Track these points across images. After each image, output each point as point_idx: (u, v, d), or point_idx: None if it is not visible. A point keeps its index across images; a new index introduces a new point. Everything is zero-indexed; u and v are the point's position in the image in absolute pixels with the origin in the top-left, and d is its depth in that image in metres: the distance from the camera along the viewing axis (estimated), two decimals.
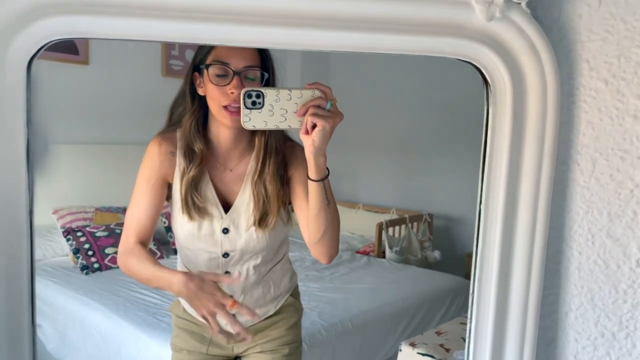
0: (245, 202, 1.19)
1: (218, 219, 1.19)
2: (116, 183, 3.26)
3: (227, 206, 1.20)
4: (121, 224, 3.09)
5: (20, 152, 0.72)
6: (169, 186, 1.21)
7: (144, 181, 1.18)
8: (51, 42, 0.71)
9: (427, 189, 3.89)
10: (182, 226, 1.20)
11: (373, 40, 0.77)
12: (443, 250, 3.53)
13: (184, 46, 3.44)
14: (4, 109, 0.70)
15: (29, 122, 0.71)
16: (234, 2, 0.72)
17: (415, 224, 3.67)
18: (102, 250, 2.90)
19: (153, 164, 1.18)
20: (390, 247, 3.48)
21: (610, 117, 0.78)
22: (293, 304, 1.35)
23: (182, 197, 1.16)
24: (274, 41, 0.77)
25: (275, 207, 1.17)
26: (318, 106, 0.88)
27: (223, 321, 1.06)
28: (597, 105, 0.79)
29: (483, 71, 0.79)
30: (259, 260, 1.24)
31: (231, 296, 1.04)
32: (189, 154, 1.15)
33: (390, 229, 3.57)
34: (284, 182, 1.20)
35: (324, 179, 1.03)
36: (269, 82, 1.11)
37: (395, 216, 3.80)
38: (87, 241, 2.88)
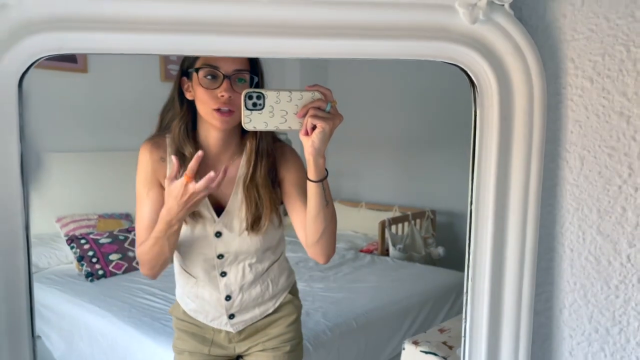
0: (237, 205, 1.20)
1: (211, 222, 1.19)
2: (118, 189, 3.28)
3: (219, 209, 1.21)
4: (124, 230, 3.11)
5: (14, 167, 0.73)
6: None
7: (141, 186, 1.19)
8: (41, 58, 0.72)
9: (429, 186, 3.89)
10: None
11: (361, 46, 0.78)
12: (447, 247, 3.54)
13: None
14: None
15: (22, 137, 0.72)
16: (226, 13, 0.73)
17: (418, 221, 3.68)
18: (106, 257, 2.92)
19: (146, 170, 1.18)
20: (394, 245, 3.49)
21: (596, 115, 0.78)
22: (292, 302, 1.36)
23: None
24: (266, 51, 0.78)
25: (267, 210, 1.18)
26: (318, 108, 0.89)
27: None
28: (584, 103, 0.79)
29: (469, 73, 0.80)
30: (254, 260, 1.25)
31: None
32: (179, 159, 1.14)
33: (393, 227, 3.58)
34: (275, 184, 1.21)
35: (323, 180, 1.03)
36: (258, 85, 1.11)
37: (397, 214, 3.81)
38: (90, 248, 2.90)
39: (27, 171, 0.74)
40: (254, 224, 1.18)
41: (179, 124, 1.15)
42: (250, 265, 1.25)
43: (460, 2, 0.75)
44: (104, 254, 2.90)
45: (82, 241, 2.91)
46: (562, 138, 0.81)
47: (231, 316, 1.27)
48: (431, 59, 0.80)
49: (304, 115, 0.88)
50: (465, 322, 0.87)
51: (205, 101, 1.07)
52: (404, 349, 1.71)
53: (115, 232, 3.07)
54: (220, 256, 1.22)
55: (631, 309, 0.79)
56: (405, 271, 3.06)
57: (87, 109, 3.22)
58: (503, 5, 0.76)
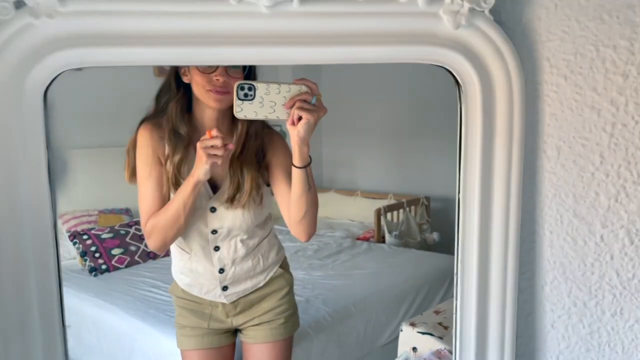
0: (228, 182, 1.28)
1: (206, 198, 1.27)
2: (117, 185, 3.31)
3: (214, 187, 1.28)
4: (125, 225, 3.16)
5: (42, 170, 0.80)
6: None
7: (143, 166, 1.25)
8: (63, 72, 0.79)
9: (423, 173, 3.96)
10: None
11: (355, 53, 0.85)
12: (441, 232, 3.62)
13: None
14: (25, 134, 0.78)
15: (48, 145, 0.79)
16: (227, 26, 0.80)
17: (412, 207, 3.75)
18: (109, 252, 2.97)
19: (147, 149, 1.25)
20: (390, 232, 3.57)
21: (570, 109, 0.86)
22: (282, 275, 1.44)
23: (171, 179, 1.23)
24: (265, 59, 0.85)
25: (248, 186, 1.26)
26: (304, 100, 0.97)
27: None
28: (559, 98, 0.87)
29: (454, 74, 0.88)
30: (245, 236, 1.33)
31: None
32: (174, 138, 1.23)
33: (389, 214, 3.66)
34: (262, 167, 1.29)
35: (307, 166, 1.12)
36: (251, 71, 1.20)
37: (392, 201, 3.88)
38: (93, 244, 2.95)
39: (54, 173, 0.81)
40: (233, 198, 1.26)
41: (175, 105, 1.23)
42: (242, 241, 1.34)
43: (444, 10, 0.83)
44: (106, 248, 2.96)
45: (85, 237, 2.97)
46: (540, 130, 0.89)
47: (224, 288, 1.35)
48: (419, 62, 0.87)
49: (291, 107, 0.97)
50: (457, 300, 0.95)
51: (202, 84, 1.16)
52: (401, 330, 1.80)
53: (116, 227, 3.13)
54: (214, 231, 1.30)
55: (605, 284, 0.87)
56: (401, 257, 3.14)
57: (82, 106, 3.25)
58: (483, 11, 0.83)
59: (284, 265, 1.47)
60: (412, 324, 1.78)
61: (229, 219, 1.29)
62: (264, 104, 0.94)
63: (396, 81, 3.93)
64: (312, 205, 1.20)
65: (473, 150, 0.89)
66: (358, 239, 3.64)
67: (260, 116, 0.95)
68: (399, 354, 1.78)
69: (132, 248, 3.03)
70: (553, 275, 0.91)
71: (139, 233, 3.14)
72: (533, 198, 0.91)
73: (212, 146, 1.08)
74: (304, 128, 0.99)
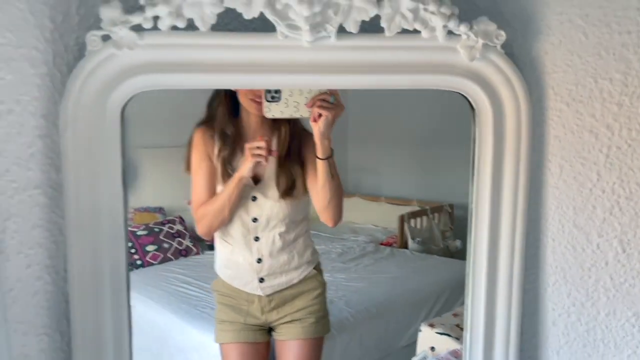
0: (272, 176, 1.43)
1: (249, 189, 1.43)
2: (152, 185, 3.48)
3: (256, 179, 1.44)
4: (159, 223, 3.30)
5: (118, 176, 0.95)
6: None
7: (196, 162, 1.45)
8: (138, 93, 0.94)
9: (447, 181, 4.01)
10: None
11: (383, 80, 0.97)
12: (464, 240, 3.66)
13: None
14: (106, 145, 0.93)
15: (123, 154, 0.94)
16: (275, 57, 0.94)
17: (436, 214, 3.82)
18: (144, 248, 3.11)
19: (199, 147, 1.45)
20: (413, 238, 3.65)
21: (572, 132, 0.98)
22: (316, 277, 1.59)
23: (220, 169, 1.42)
24: (303, 84, 0.99)
25: (299, 181, 1.42)
26: (324, 100, 1.12)
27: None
28: (562, 122, 0.98)
29: (469, 99, 0.99)
30: (283, 229, 1.48)
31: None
32: (223, 137, 1.41)
33: (412, 221, 3.73)
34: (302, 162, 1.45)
35: (328, 158, 1.28)
36: None
37: (416, 208, 3.96)
38: (129, 240, 3.10)
39: (127, 179, 0.96)
40: (287, 192, 1.43)
41: (223, 110, 1.42)
42: (279, 234, 1.48)
43: (461, 44, 0.95)
44: (142, 245, 3.12)
45: None
46: (545, 150, 1.00)
47: (261, 280, 1.50)
48: (439, 88, 1.00)
49: (312, 106, 1.12)
50: (467, 299, 1.07)
51: (245, 92, 1.34)
52: (420, 330, 1.91)
53: (150, 225, 3.28)
54: (255, 220, 1.45)
55: (600, 287, 0.98)
56: (423, 263, 3.22)
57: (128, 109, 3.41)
58: (495, 46, 0.96)
59: (318, 269, 1.61)
60: (431, 325, 1.89)
61: (267, 207, 1.44)
62: (289, 104, 1.09)
63: (421, 93, 4.02)
64: (336, 193, 1.36)
65: (484, 167, 1.01)
66: (381, 244, 3.73)
67: (285, 115, 1.11)
68: (417, 353, 1.90)
69: (165, 245, 3.18)
70: (555, 278, 1.03)
71: (172, 231, 3.30)
72: (538, 210, 1.02)
73: (257, 147, 1.26)
74: (324, 124, 1.15)
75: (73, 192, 0.92)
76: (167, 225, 3.29)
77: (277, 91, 1.07)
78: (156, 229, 3.30)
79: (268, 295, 1.53)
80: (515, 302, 1.04)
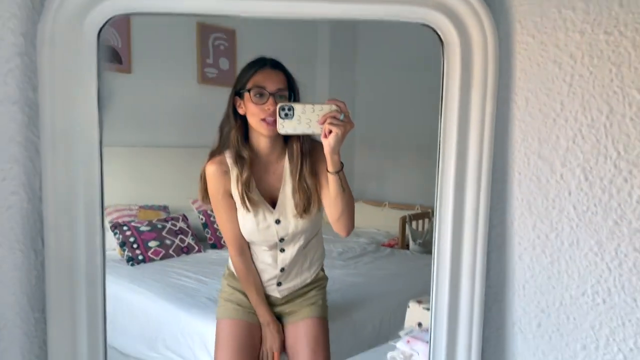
0: (288, 196, 1.48)
1: (269, 212, 1.49)
2: (158, 183, 3.53)
3: (271, 201, 1.50)
4: (162, 220, 3.34)
5: (93, 100, 0.98)
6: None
7: (214, 197, 1.51)
8: (113, 17, 0.98)
9: None
10: (245, 225, 1.51)
11: (351, 9, 1.00)
12: None
13: (217, 55, 3.77)
14: (82, 67, 0.96)
15: (99, 77, 0.98)
16: None
17: None
18: (146, 244, 3.16)
19: (215, 181, 1.50)
20: (414, 240, 3.66)
21: (537, 64, 1.00)
22: (323, 277, 1.70)
23: (240, 196, 1.46)
24: (271, 11, 1.01)
25: (315, 197, 1.47)
26: (334, 117, 1.17)
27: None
28: (528, 55, 1.00)
29: (438, 32, 1.02)
30: (304, 240, 1.55)
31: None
32: (239, 161, 1.46)
33: (414, 223, 3.76)
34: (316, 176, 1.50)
35: (339, 172, 1.31)
36: (294, 99, 1.43)
37: (419, 212, 3.99)
38: (132, 235, 3.14)
39: (102, 103, 0.99)
40: (305, 210, 1.48)
41: (236, 134, 1.47)
42: (301, 245, 1.56)
43: None
44: (144, 240, 3.16)
45: (124, 228, 3.17)
46: (512, 83, 1.02)
47: (279, 284, 1.56)
48: (409, 21, 1.02)
49: (323, 123, 1.17)
50: (434, 236, 1.08)
51: (256, 113, 1.40)
52: (408, 307, 1.90)
53: (154, 221, 3.33)
54: (282, 240, 1.52)
55: (564, 217, 0.99)
56: (422, 262, 3.23)
57: (130, 107, 3.50)
58: None
59: (322, 268, 1.71)
60: (419, 302, 1.88)
61: (292, 226, 1.50)
62: (301, 121, 1.15)
63: (425, 96, 4.05)
64: (348, 205, 1.40)
65: (452, 101, 1.03)
66: (382, 245, 3.75)
67: (298, 131, 1.17)
68: (404, 328, 1.89)
69: (167, 242, 3.22)
70: (520, 211, 1.04)
71: (175, 228, 3.34)
72: (504, 143, 1.04)
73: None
74: (334, 140, 1.21)
75: (48, 112, 0.95)
76: (170, 223, 3.34)
77: (290, 108, 1.13)
78: (159, 226, 3.35)
79: (283, 297, 1.61)
80: (481, 236, 1.05)
